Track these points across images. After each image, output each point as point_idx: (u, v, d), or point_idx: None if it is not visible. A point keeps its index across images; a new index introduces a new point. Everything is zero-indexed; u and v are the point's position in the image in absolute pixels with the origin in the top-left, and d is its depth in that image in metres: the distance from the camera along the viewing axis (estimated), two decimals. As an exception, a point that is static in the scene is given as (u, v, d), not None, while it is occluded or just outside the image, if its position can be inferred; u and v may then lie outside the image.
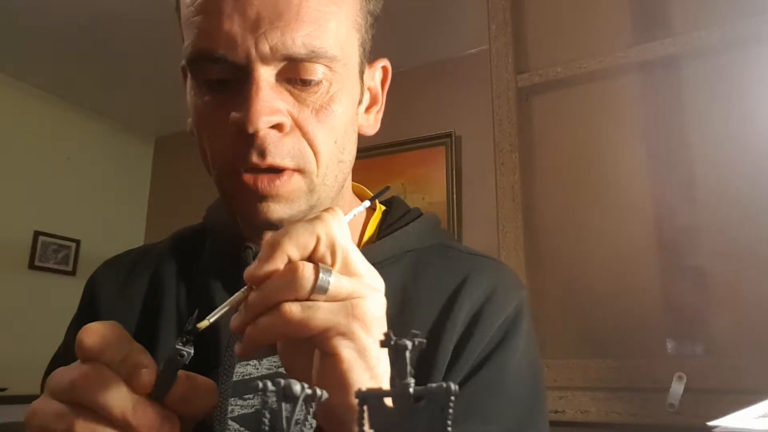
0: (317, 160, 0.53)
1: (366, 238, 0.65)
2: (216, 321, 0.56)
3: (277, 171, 0.52)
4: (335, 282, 0.40)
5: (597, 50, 1.42)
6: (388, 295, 0.61)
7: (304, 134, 0.52)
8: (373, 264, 0.60)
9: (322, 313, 0.39)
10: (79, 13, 2.38)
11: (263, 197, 0.53)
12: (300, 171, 0.53)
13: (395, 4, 2.38)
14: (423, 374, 0.55)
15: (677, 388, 1.12)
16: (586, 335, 1.35)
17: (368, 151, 2.82)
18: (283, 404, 0.25)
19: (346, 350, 0.39)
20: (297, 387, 0.25)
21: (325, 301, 0.40)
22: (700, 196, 1.29)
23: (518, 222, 1.42)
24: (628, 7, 1.44)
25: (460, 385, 0.55)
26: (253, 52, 0.49)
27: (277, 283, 0.39)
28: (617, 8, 1.45)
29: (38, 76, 2.92)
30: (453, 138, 2.70)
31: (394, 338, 0.27)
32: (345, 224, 0.42)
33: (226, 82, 0.52)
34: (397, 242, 0.62)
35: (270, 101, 0.50)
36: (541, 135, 1.50)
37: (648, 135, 1.37)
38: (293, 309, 0.39)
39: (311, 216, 0.43)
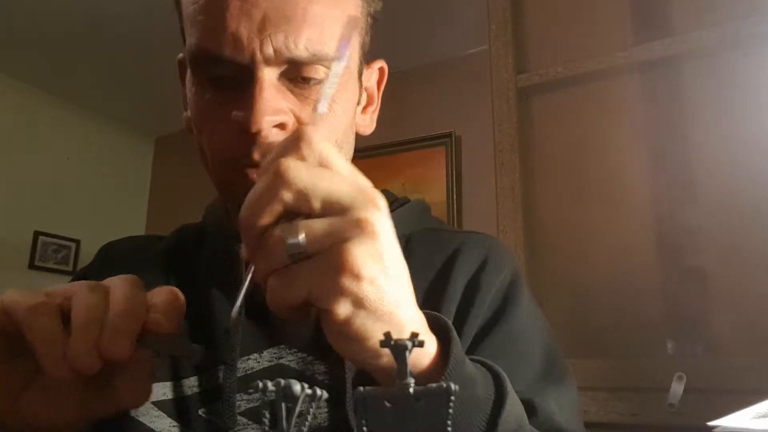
0: None
1: None
2: (213, 318, 0.56)
3: None
4: (305, 239, 0.36)
5: (597, 50, 1.42)
6: None
7: None
8: None
9: (299, 281, 0.37)
10: (79, 14, 2.38)
11: None
12: None
13: (395, 4, 2.37)
14: None
15: (677, 388, 1.12)
16: (586, 335, 1.34)
17: (368, 151, 2.81)
18: (283, 403, 0.25)
19: (340, 306, 0.36)
20: (297, 387, 0.25)
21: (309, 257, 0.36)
22: (701, 196, 1.29)
23: (518, 222, 1.42)
24: (628, 7, 1.44)
25: (468, 353, 0.55)
26: (258, 53, 0.50)
27: (258, 263, 0.38)
28: (617, 8, 1.45)
29: (38, 76, 2.92)
30: (453, 138, 2.70)
31: (393, 338, 0.27)
32: (325, 137, 0.40)
33: (228, 79, 0.52)
34: None
35: (273, 101, 0.51)
36: (541, 135, 1.50)
37: (648, 135, 1.37)
38: (272, 284, 0.37)
39: None
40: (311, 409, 0.26)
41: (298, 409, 0.25)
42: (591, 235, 1.39)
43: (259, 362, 0.56)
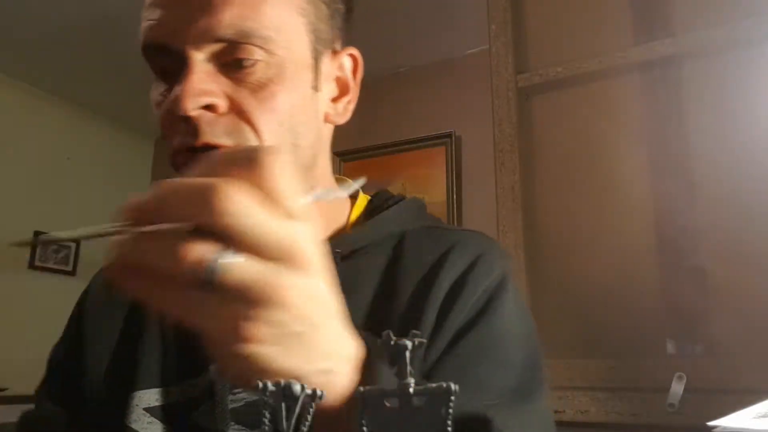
0: (259, 139, 0.53)
1: (350, 226, 0.65)
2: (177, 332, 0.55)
3: (214, 149, 0.52)
4: (225, 271, 0.31)
5: (597, 50, 1.42)
6: (370, 278, 0.59)
7: (242, 114, 0.52)
8: (356, 249, 0.60)
9: (200, 310, 0.32)
10: (79, 13, 2.38)
11: None
12: None
13: (395, 4, 2.38)
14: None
15: (677, 388, 1.12)
16: (586, 335, 1.35)
17: (368, 151, 2.81)
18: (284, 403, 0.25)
19: (235, 351, 0.32)
20: (297, 387, 0.25)
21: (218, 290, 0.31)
22: (701, 196, 1.29)
23: (518, 222, 1.42)
24: (628, 7, 1.44)
25: (445, 352, 0.54)
26: (185, 37, 0.51)
27: (152, 255, 0.32)
28: (617, 8, 1.45)
29: (38, 76, 2.92)
30: (453, 138, 2.70)
31: (393, 338, 0.27)
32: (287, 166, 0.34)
33: (172, 70, 0.52)
34: (380, 226, 0.63)
35: (200, 84, 0.50)
36: (541, 135, 1.50)
37: (648, 135, 1.37)
38: (168, 299, 0.32)
39: None
40: (311, 409, 0.26)
41: (298, 409, 0.25)
42: (591, 234, 1.39)
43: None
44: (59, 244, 3.04)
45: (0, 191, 2.81)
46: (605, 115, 1.43)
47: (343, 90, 0.62)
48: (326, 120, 0.61)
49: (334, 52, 0.61)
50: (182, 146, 0.52)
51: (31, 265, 2.92)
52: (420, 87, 2.81)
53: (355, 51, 0.63)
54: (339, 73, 0.62)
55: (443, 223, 0.69)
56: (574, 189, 1.43)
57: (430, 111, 2.77)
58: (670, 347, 1.26)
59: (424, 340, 0.27)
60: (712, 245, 1.26)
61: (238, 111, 0.52)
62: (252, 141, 0.52)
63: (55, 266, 3.01)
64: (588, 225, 1.40)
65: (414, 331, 0.28)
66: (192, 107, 0.50)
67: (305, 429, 0.25)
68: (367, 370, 0.38)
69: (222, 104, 0.52)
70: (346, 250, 0.59)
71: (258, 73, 0.52)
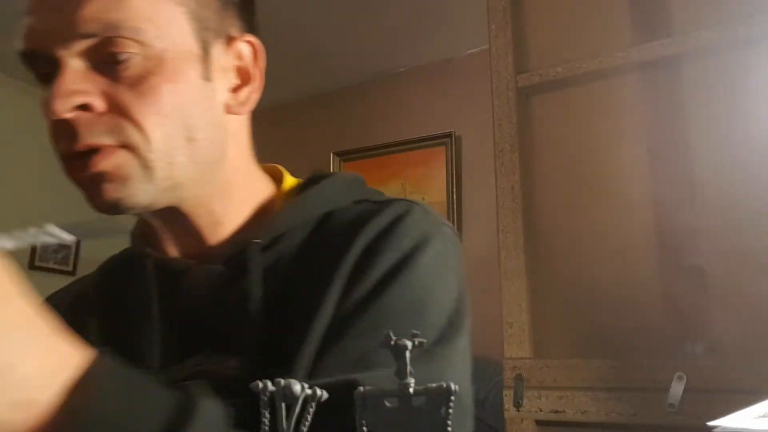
0: (144, 135, 0.51)
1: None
2: (137, 342, 0.57)
3: (97, 151, 0.51)
4: None
5: (597, 50, 1.42)
6: (290, 264, 0.57)
7: (122, 110, 0.50)
8: (277, 237, 0.58)
9: None
10: (79, 13, 2.38)
11: (92, 180, 0.52)
12: (126, 147, 0.51)
13: (395, 4, 2.38)
14: (305, 323, 0.52)
15: (677, 388, 1.12)
16: (587, 335, 1.35)
17: (368, 151, 2.82)
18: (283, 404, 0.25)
19: None
20: (297, 387, 0.25)
21: None
22: (701, 196, 1.29)
23: (518, 222, 1.42)
24: (628, 7, 1.44)
25: (343, 324, 0.52)
26: (53, 39, 0.50)
27: None
28: (617, 8, 1.45)
29: (38, 76, 2.92)
30: (453, 138, 2.70)
31: (393, 338, 0.27)
32: None
33: (49, 76, 0.51)
34: (303, 209, 0.61)
35: (70, 84, 0.49)
36: (541, 135, 1.50)
37: (648, 135, 1.37)
38: None
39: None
40: (311, 409, 0.26)
41: (298, 409, 0.25)
42: (591, 234, 1.39)
43: (180, 372, 0.55)
44: (59, 244, 3.04)
45: (0, 191, 2.81)
46: (605, 114, 1.43)
47: (244, 79, 0.60)
48: (228, 111, 0.58)
49: (230, 41, 0.58)
50: (67, 152, 0.51)
51: (32, 265, 2.92)
52: (420, 87, 2.81)
53: (252, 38, 0.61)
54: (238, 62, 0.60)
55: (379, 195, 0.65)
56: (574, 189, 1.43)
57: (430, 111, 2.77)
58: (670, 347, 1.26)
59: (424, 340, 0.27)
60: (712, 245, 1.26)
61: (117, 108, 0.50)
62: (136, 138, 0.51)
63: (55, 266, 3.01)
64: (588, 225, 1.40)
65: (414, 331, 0.28)
66: (63, 109, 0.49)
67: (305, 429, 0.25)
68: (83, 392, 0.33)
69: (98, 103, 0.50)
70: (266, 240, 0.58)
71: (134, 67, 0.50)
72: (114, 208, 0.54)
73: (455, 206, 2.65)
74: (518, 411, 1.28)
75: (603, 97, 1.45)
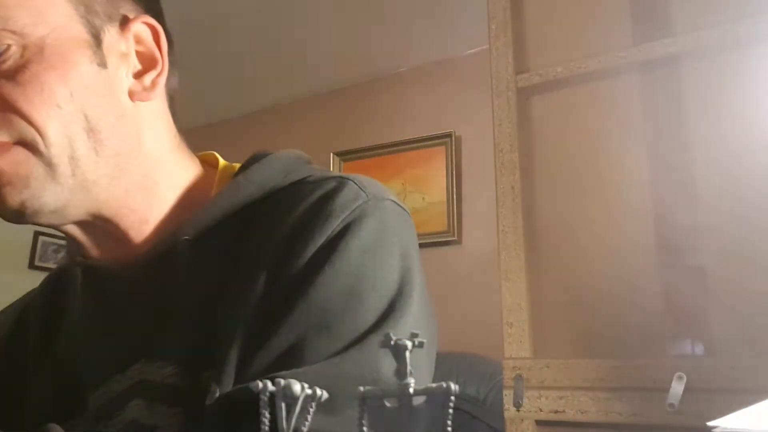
0: (37, 128, 0.49)
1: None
2: (77, 355, 0.56)
3: None
4: None
5: (597, 50, 1.42)
6: (219, 258, 0.54)
7: (7, 104, 0.48)
8: (205, 230, 0.54)
9: None
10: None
11: None
12: (22, 144, 0.49)
13: (395, 4, 2.38)
14: (233, 321, 0.49)
15: (677, 388, 1.12)
16: (586, 335, 1.35)
17: (368, 151, 2.82)
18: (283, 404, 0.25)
19: None
20: (297, 387, 0.25)
21: None
22: (701, 196, 1.29)
23: (518, 222, 1.42)
24: (628, 7, 1.44)
25: (269, 320, 0.49)
26: None
27: None
28: (617, 8, 1.45)
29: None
30: (453, 138, 2.70)
31: (393, 338, 0.27)
32: None
33: None
34: (233, 196, 0.56)
35: None
36: (541, 135, 1.50)
37: (648, 135, 1.37)
38: None
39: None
40: (311, 409, 0.26)
41: (299, 410, 0.25)
42: (591, 234, 1.39)
43: (120, 382, 0.53)
44: (59, 244, 3.04)
45: (0, 191, 2.82)
46: (605, 115, 1.43)
47: (147, 64, 0.57)
48: (133, 98, 0.55)
49: (124, 24, 0.55)
50: None
51: (32, 265, 2.92)
52: (420, 87, 2.81)
53: (150, 19, 0.57)
54: (139, 47, 0.56)
55: (321, 171, 0.60)
56: (574, 189, 1.43)
57: (430, 111, 2.78)
58: (670, 347, 1.26)
59: (424, 340, 0.27)
60: (712, 245, 1.26)
61: (2, 103, 0.48)
62: (29, 132, 0.49)
63: (56, 266, 3.02)
64: (588, 224, 1.40)
65: (413, 331, 0.28)
66: None
67: (305, 429, 0.25)
68: None
69: None
70: (193, 235, 0.54)
71: (13, 58, 0.48)
72: (19, 213, 0.50)
73: (455, 206, 2.65)
74: (518, 411, 1.28)
75: (603, 97, 1.45)
